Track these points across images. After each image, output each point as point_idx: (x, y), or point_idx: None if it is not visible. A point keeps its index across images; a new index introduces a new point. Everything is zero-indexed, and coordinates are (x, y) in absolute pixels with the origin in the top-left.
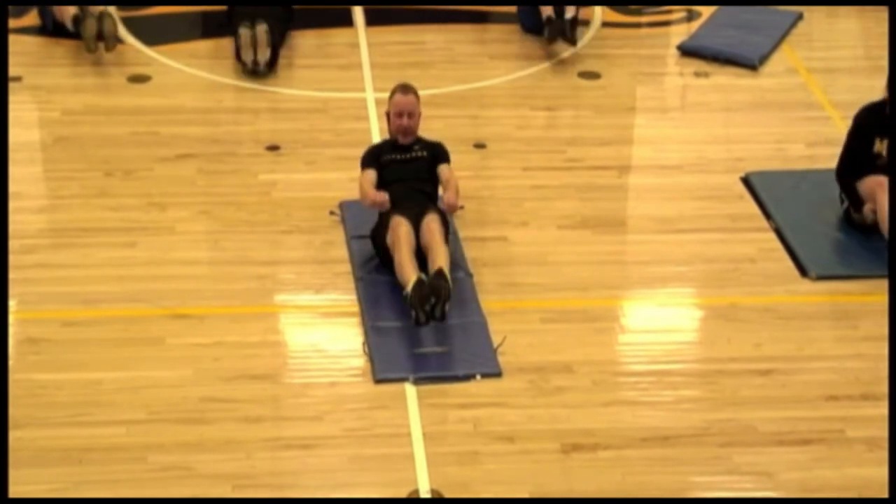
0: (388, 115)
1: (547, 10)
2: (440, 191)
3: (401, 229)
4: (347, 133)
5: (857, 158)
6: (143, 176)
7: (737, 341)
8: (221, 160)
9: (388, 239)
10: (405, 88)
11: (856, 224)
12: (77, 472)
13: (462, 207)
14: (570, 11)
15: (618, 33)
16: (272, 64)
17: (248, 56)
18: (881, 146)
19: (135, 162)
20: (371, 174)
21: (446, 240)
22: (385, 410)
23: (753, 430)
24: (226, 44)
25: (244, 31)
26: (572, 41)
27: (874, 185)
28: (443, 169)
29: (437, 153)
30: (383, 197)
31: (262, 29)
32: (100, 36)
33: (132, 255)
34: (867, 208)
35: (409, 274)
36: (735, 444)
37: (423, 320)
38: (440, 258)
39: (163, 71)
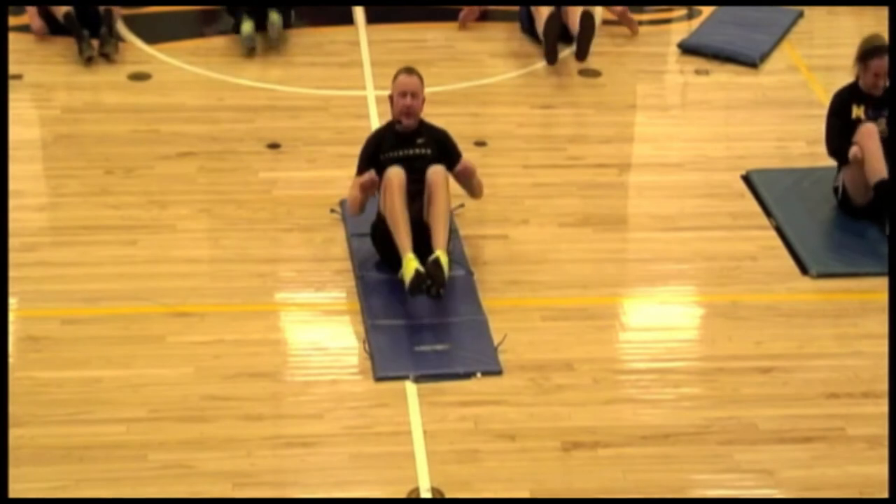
0: (391, 98)
1: (544, 13)
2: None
3: (393, 170)
4: (348, 131)
5: (841, 130)
6: (143, 174)
7: (737, 339)
8: (222, 158)
9: (381, 186)
10: (409, 70)
11: (852, 212)
12: (77, 471)
13: (462, 206)
14: (573, 21)
15: (618, 31)
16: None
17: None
18: (859, 111)
19: (135, 160)
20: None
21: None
22: (385, 408)
23: (754, 428)
24: (227, 42)
25: (246, 31)
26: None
27: (863, 132)
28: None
29: (444, 151)
30: (370, 175)
31: (275, 19)
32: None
33: (133, 253)
34: (852, 151)
35: (404, 243)
36: (736, 442)
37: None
38: (440, 237)
39: (163, 69)
